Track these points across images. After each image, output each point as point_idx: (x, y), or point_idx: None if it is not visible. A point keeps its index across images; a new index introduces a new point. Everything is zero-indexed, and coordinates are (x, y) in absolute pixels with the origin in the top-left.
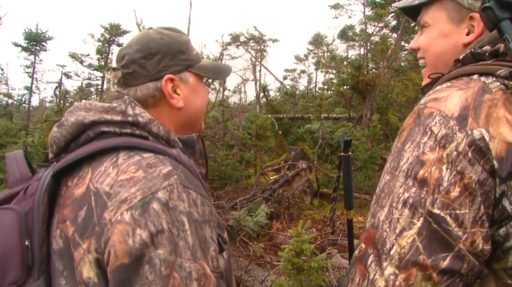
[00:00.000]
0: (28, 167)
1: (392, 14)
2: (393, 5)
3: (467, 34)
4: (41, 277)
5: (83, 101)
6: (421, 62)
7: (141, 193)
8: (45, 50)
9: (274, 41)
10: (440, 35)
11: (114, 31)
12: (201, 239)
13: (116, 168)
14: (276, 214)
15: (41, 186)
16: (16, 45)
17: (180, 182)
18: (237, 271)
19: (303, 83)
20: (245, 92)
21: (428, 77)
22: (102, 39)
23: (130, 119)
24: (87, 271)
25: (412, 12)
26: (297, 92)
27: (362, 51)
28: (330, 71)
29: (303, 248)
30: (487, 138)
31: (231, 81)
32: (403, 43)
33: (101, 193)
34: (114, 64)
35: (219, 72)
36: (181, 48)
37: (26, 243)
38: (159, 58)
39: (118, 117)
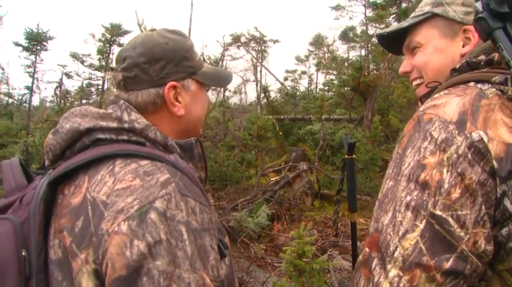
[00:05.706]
0: (24, 175)
1: (394, 16)
2: (379, 32)
3: (463, 46)
4: None
5: (82, 105)
6: (415, 83)
7: (138, 202)
8: (46, 50)
9: (275, 41)
10: (437, 51)
11: (115, 31)
12: (200, 248)
13: (113, 176)
14: (277, 215)
15: (37, 195)
16: (17, 44)
17: (178, 191)
18: (238, 273)
19: (303, 84)
20: (246, 92)
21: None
22: (103, 39)
23: (126, 125)
24: (86, 282)
25: (396, 41)
26: (298, 93)
27: (363, 53)
28: (330, 72)
29: (304, 250)
30: (485, 140)
31: (232, 82)
32: None
33: (97, 203)
34: (114, 64)
35: (221, 79)
36: (186, 54)
37: (23, 253)
38: (163, 64)
39: (114, 124)
